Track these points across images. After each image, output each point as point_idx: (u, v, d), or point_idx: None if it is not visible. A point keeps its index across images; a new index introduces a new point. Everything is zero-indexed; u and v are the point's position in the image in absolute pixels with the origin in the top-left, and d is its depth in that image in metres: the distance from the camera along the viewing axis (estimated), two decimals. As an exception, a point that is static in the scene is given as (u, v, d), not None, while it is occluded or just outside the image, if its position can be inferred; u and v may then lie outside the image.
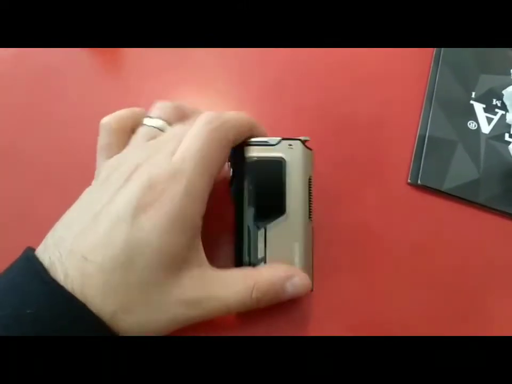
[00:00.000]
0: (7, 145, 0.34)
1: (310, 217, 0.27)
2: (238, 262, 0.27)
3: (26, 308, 0.20)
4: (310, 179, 0.27)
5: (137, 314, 0.22)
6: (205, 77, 0.39)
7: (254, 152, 0.27)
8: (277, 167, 0.27)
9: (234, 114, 0.27)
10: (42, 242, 0.24)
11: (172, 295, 0.23)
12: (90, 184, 0.26)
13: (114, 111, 0.27)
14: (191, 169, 0.24)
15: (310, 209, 0.27)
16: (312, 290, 0.27)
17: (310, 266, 0.28)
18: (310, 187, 0.27)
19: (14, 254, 0.23)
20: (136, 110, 0.29)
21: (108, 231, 0.23)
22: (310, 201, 0.27)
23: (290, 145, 0.27)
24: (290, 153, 0.27)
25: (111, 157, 0.27)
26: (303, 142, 0.27)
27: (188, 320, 0.24)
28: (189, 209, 0.23)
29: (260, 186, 0.27)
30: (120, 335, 0.22)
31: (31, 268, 0.22)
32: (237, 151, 0.27)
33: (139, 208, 0.23)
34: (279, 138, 0.27)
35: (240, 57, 0.40)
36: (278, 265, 0.27)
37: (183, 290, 0.23)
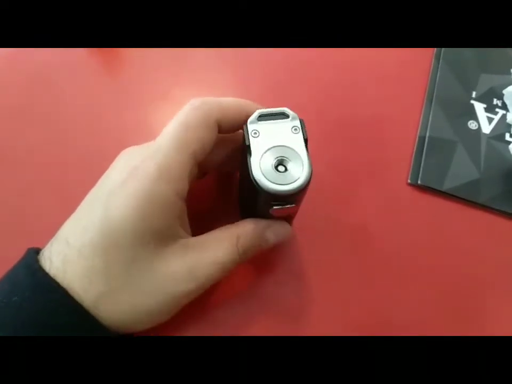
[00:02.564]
0: (5, 145, 0.34)
1: None
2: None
3: (13, 296, 0.21)
4: None
5: (123, 299, 0.22)
6: (204, 77, 0.39)
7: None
8: None
9: (221, 98, 0.26)
10: None
11: (158, 273, 0.23)
12: (89, 183, 0.26)
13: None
14: (166, 147, 0.23)
15: None
16: None
17: None
18: None
19: (10, 254, 0.23)
20: None
21: (87, 215, 0.23)
22: None
23: None
24: None
25: None
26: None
27: (187, 295, 0.24)
28: (160, 187, 0.22)
29: None
30: (106, 321, 0.22)
31: (23, 259, 0.23)
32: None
33: (113, 189, 0.23)
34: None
35: (240, 57, 0.40)
36: (258, 219, 0.26)
37: (169, 266, 0.23)
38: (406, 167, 0.36)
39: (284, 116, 0.24)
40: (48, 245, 0.23)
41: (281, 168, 0.23)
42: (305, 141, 0.23)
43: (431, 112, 0.38)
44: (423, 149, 0.37)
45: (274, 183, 0.22)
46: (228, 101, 0.26)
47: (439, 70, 0.41)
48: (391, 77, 0.41)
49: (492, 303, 0.32)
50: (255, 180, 0.22)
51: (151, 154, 0.23)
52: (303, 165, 0.23)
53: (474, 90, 0.40)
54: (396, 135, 0.38)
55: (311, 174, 0.23)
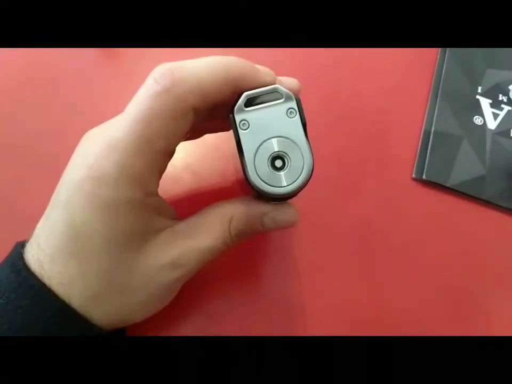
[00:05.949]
0: (5, 144, 0.34)
1: None
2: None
3: None
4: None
5: (111, 299, 0.21)
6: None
7: None
8: None
9: (199, 66, 0.20)
10: None
11: (144, 268, 0.21)
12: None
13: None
14: (124, 144, 0.19)
15: None
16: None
17: None
18: None
19: (4, 244, 0.22)
20: None
21: (51, 216, 0.21)
22: None
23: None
24: None
25: None
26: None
27: (179, 281, 0.23)
28: (119, 193, 0.20)
29: None
30: (98, 320, 0.21)
31: (9, 255, 0.22)
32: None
33: (71, 190, 0.20)
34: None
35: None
36: (255, 201, 0.23)
37: (156, 258, 0.21)
38: (410, 162, 0.36)
39: (276, 95, 0.20)
40: (28, 242, 0.22)
41: (278, 163, 0.20)
42: (304, 125, 0.20)
43: (437, 107, 0.38)
44: (428, 143, 0.36)
45: (273, 186, 0.20)
46: (209, 73, 0.20)
47: (445, 64, 0.40)
48: (397, 71, 0.40)
49: (494, 302, 0.32)
50: (251, 182, 0.20)
51: (106, 152, 0.20)
52: (303, 159, 0.20)
53: (480, 85, 0.40)
54: (401, 130, 0.38)
55: (313, 166, 0.20)
